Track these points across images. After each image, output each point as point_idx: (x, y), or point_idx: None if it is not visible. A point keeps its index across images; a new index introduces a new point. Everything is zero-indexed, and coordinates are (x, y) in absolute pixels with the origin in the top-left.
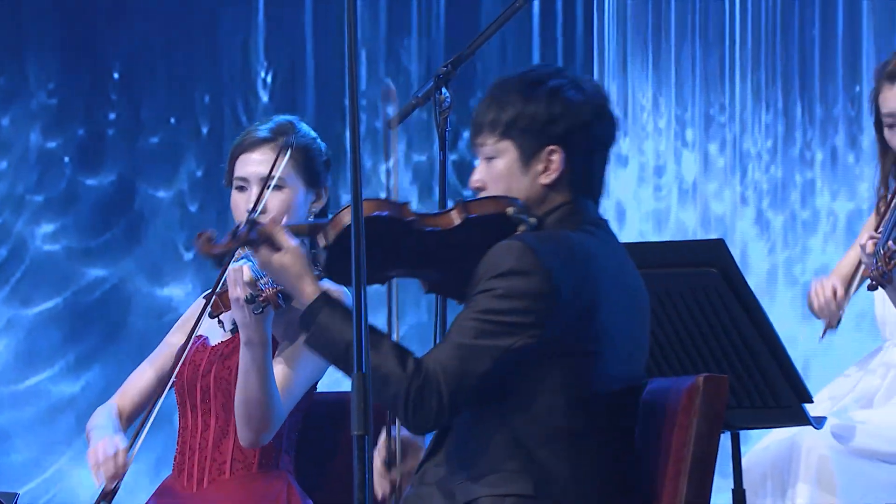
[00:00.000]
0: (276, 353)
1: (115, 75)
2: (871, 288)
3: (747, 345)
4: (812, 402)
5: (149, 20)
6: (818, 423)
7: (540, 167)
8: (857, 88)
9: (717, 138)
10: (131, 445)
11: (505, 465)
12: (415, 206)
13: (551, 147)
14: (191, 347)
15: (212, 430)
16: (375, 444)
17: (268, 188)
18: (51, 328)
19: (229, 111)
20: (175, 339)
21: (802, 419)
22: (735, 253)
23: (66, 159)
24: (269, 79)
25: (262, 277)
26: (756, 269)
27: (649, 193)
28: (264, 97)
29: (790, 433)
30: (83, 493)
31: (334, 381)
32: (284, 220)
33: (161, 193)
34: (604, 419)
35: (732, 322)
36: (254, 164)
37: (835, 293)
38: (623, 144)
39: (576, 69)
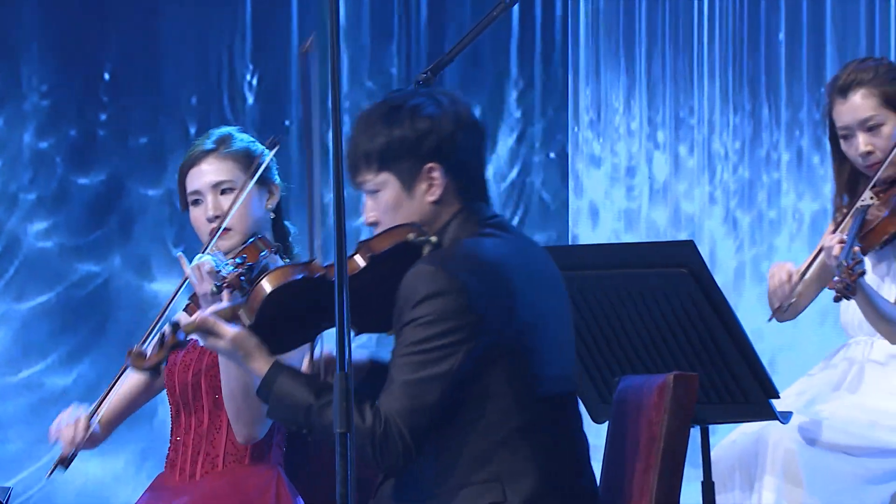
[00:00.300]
0: None
1: (106, 77)
2: (837, 300)
3: (716, 342)
4: (779, 397)
5: (137, 24)
6: (784, 418)
7: (424, 186)
8: (822, 92)
9: (687, 140)
10: (93, 414)
11: (472, 477)
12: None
13: (429, 165)
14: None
15: (204, 426)
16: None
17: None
18: (43, 322)
19: (216, 112)
20: None
21: (769, 414)
22: (704, 251)
23: (58, 159)
24: (254, 81)
25: (224, 266)
26: (724, 266)
27: (622, 193)
28: (250, 98)
29: (757, 427)
30: (75, 482)
31: None
32: (244, 223)
33: (150, 192)
34: (551, 410)
35: (702, 321)
36: (203, 174)
37: (790, 277)
38: (596, 146)
39: (553, 73)
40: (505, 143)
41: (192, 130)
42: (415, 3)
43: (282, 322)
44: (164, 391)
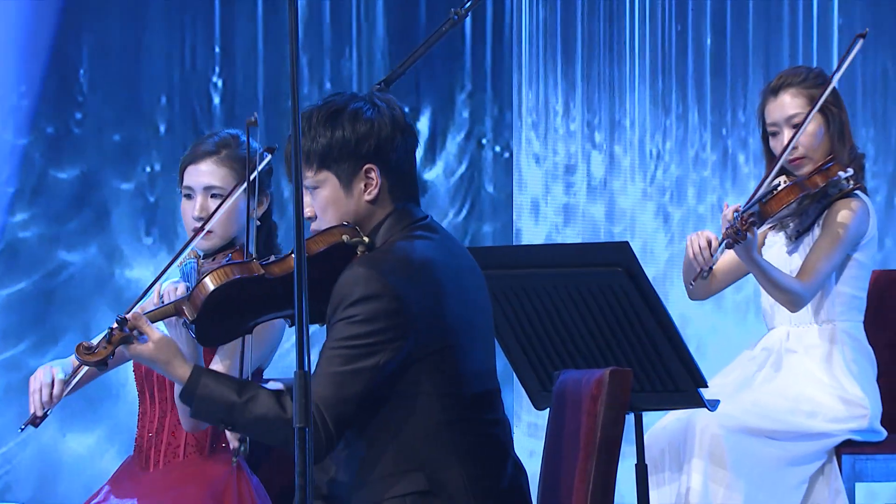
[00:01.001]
0: (216, 354)
1: (81, 79)
2: (729, 246)
3: (649, 336)
4: (706, 386)
5: (109, 30)
6: (712, 405)
7: (361, 186)
8: (746, 97)
9: (622, 141)
10: (69, 380)
11: (397, 467)
12: None
13: (367, 165)
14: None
15: (168, 417)
16: None
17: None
18: (24, 306)
19: (185, 112)
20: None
21: (698, 402)
22: (638, 244)
23: (37, 155)
24: (220, 83)
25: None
26: (657, 258)
27: (561, 189)
28: (216, 99)
29: (686, 414)
30: (52, 455)
31: (284, 368)
32: (226, 228)
33: (124, 185)
34: (474, 405)
35: (636, 316)
36: (199, 174)
37: (709, 243)
38: (538, 145)
39: (499, 78)
40: (454, 140)
41: (162, 129)
42: (373, 6)
43: (222, 317)
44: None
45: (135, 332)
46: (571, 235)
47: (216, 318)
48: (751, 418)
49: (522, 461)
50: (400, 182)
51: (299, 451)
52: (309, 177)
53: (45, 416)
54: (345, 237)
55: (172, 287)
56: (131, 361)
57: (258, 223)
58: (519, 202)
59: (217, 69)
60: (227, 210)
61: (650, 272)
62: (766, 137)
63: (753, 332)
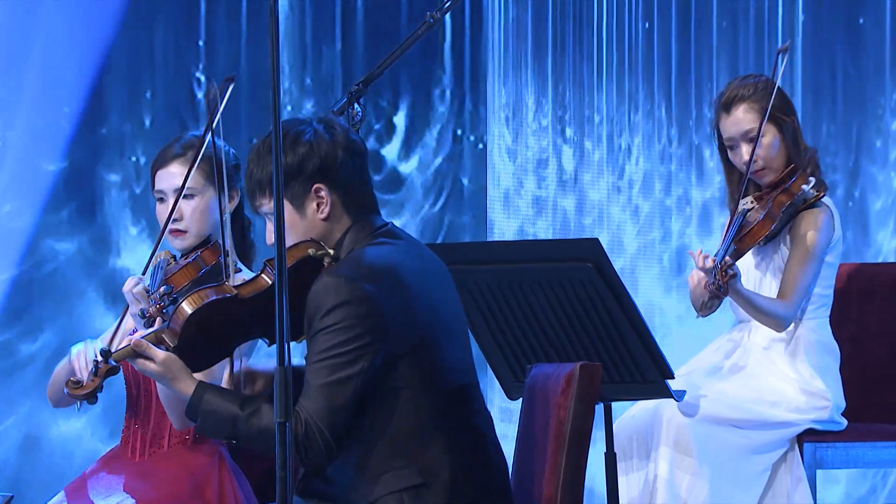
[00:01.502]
0: None
1: (69, 75)
2: (710, 299)
3: (618, 329)
4: (673, 377)
5: (100, 27)
6: (678, 396)
7: (314, 206)
8: (711, 93)
9: (593, 136)
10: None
11: (391, 464)
12: None
13: (316, 185)
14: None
15: (153, 409)
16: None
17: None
18: (15, 293)
19: (169, 106)
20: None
21: (665, 393)
22: (608, 235)
23: (27, 148)
24: (202, 78)
25: (152, 293)
26: (627, 248)
27: (533, 183)
28: (199, 94)
29: (654, 404)
30: (40, 439)
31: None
32: (199, 226)
33: (111, 177)
34: (454, 398)
35: (606, 310)
36: (168, 177)
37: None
38: (511, 140)
39: (475, 75)
40: (432, 134)
41: (147, 122)
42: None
43: (202, 341)
44: None
45: (139, 356)
46: (543, 227)
47: (197, 343)
48: (716, 408)
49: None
50: (351, 197)
51: (279, 446)
52: (265, 204)
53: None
54: (311, 251)
55: (131, 285)
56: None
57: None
58: (492, 195)
59: (200, 65)
60: (199, 208)
61: (620, 263)
62: (723, 149)
63: (721, 322)
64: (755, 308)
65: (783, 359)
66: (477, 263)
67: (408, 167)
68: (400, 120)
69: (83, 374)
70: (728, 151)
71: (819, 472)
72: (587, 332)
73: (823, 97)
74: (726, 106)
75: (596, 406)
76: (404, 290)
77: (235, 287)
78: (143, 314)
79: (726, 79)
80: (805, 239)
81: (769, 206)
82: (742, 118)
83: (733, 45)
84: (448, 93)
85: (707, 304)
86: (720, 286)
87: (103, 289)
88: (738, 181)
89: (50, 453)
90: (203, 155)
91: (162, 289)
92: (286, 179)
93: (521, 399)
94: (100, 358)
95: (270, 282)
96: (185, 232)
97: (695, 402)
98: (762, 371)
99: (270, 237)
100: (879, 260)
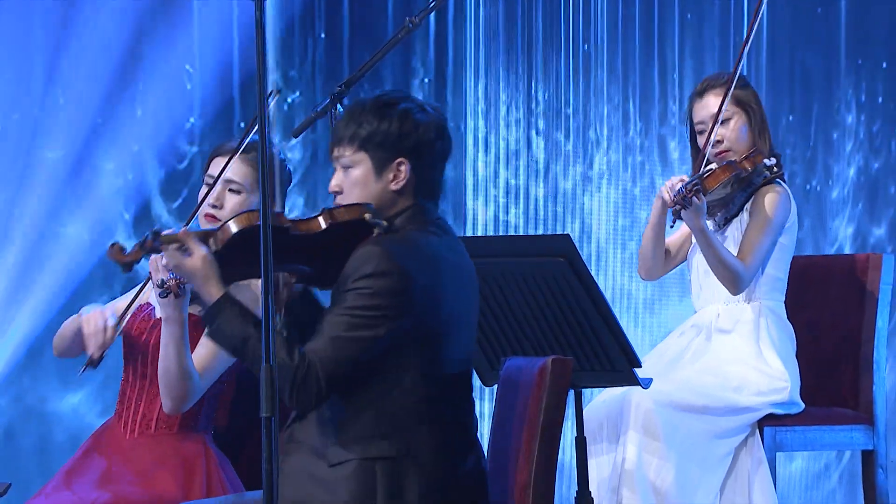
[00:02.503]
0: (203, 335)
1: (66, 67)
2: (676, 214)
3: (589, 321)
4: (640, 366)
5: (93, 26)
6: (646, 383)
7: (390, 176)
8: (677, 88)
9: (564, 128)
10: (119, 322)
11: (372, 431)
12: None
13: (400, 159)
14: (139, 314)
15: (146, 390)
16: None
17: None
18: (19, 273)
19: (160, 97)
20: (121, 302)
21: (633, 380)
22: (579, 223)
23: (26, 136)
24: (191, 69)
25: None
26: (596, 235)
27: (508, 172)
28: (188, 85)
29: (623, 390)
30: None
31: None
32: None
33: (106, 164)
34: (451, 390)
35: (577, 302)
36: (223, 167)
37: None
38: (486, 131)
39: (452, 69)
40: None
41: (139, 113)
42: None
43: (241, 258)
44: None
45: (181, 247)
46: (516, 214)
47: (236, 258)
48: (681, 394)
49: None
50: (426, 181)
51: (266, 439)
52: (347, 155)
53: (101, 357)
54: (367, 216)
55: (156, 256)
56: (121, 337)
57: None
58: (469, 184)
59: (190, 56)
60: (241, 205)
61: (590, 248)
62: (693, 137)
63: (688, 305)
64: (716, 252)
65: (746, 340)
66: None
67: None
68: None
69: (89, 341)
70: (697, 136)
71: (778, 452)
72: (559, 322)
73: (782, 90)
74: (700, 93)
75: (568, 392)
76: (437, 282)
77: (291, 220)
78: (162, 284)
79: (691, 74)
80: (764, 210)
81: (732, 161)
82: (712, 102)
83: (700, 39)
84: (428, 85)
85: (653, 252)
86: (685, 196)
87: (100, 268)
88: (701, 161)
89: (53, 424)
90: (253, 154)
91: None
92: (379, 142)
93: (495, 385)
94: (149, 235)
95: (324, 226)
96: (219, 221)
97: (661, 389)
98: (725, 357)
99: (335, 184)
100: (835, 246)
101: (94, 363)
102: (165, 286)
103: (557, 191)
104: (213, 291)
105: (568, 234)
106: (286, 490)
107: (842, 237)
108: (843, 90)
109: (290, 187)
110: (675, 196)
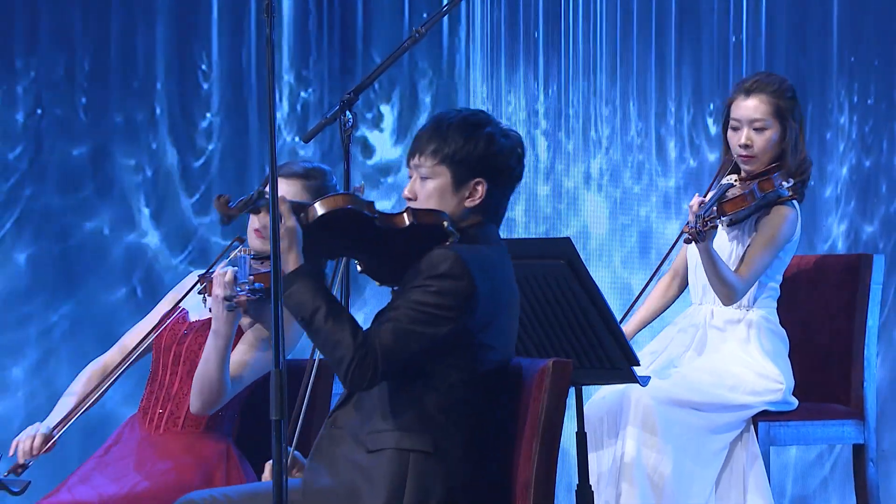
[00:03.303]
0: (240, 342)
1: (86, 68)
2: (687, 241)
3: (589, 321)
4: (639, 364)
5: (109, 24)
6: (644, 381)
7: (466, 193)
8: (675, 90)
9: (566, 128)
10: (53, 432)
11: (411, 425)
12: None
13: (479, 179)
14: (174, 317)
15: (175, 389)
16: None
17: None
18: (39, 267)
19: (176, 96)
20: (164, 305)
21: (631, 378)
22: (581, 221)
23: (48, 133)
24: (207, 69)
25: (242, 283)
26: (597, 233)
27: None
28: (205, 85)
29: (622, 387)
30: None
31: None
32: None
33: (128, 161)
34: (490, 394)
35: (577, 303)
36: (279, 188)
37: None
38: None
39: (459, 72)
40: (419, 125)
41: (158, 111)
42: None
43: (324, 234)
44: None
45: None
46: (520, 211)
47: (322, 235)
48: (679, 391)
49: None
50: (495, 204)
51: (276, 442)
52: (427, 166)
53: (27, 466)
54: (445, 223)
55: (222, 272)
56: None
57: None
58: None
59: (205, 56)
60: None
61: (592, 245)
62: (726, 127)
63: (684, 300)
64: (717, 271)
65: (738, 345)
66: None
67: (397, 153)
68: (388, 111)
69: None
70: (730, 131)
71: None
72: (560, 322)
73: None
74: (747, 91)
75: (568, 394)
76: (497, 293)
77: (379, 212)
78: (230, 298)
79: (690, 76)
80: (772, 228)
81: (752, 187)
82: (755, 106)
83: (698, 42)
84: (434, 85)
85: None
86: (699, 231)
87: (120, 260)
88: (727, 167)
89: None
90: (315, 186)
91: (255, 285)
92: (462, 159)
93: None
94: (254, 194)
95: (407, 223)
96: (267, 238)
97: (659, 386)
98: (721, 357)
99: (409, 191)
100: (829, 242)
101: (16, 470)
102: (235, 300)
103: (561, 189)
104: (290, 261)
105: (569, 238)
106: (331, 474)
107: (835, 234)
108: (835, 91)
109: None
110: (690, 226)
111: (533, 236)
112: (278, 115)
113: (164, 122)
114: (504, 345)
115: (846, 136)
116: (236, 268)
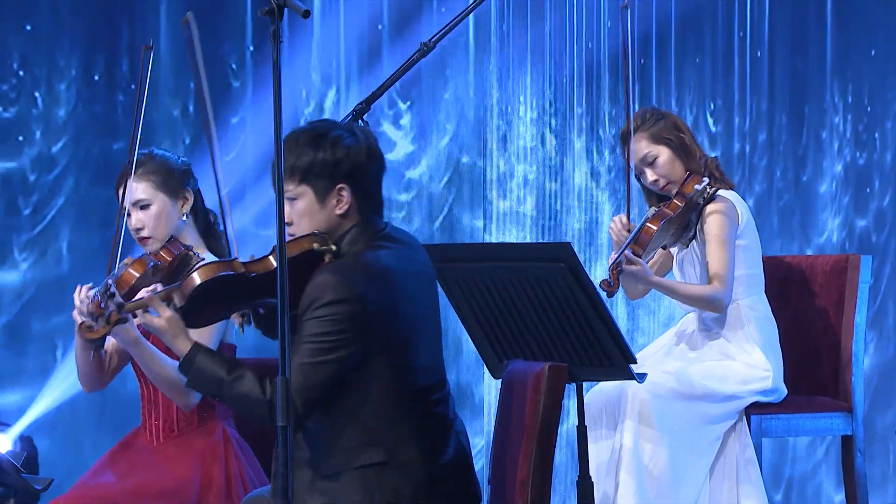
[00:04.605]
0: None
1: (124, 69)
2: (609, 296)
3: (588, 322)
4: (636, 362)
5: (144, 24)
6: (641, 378)
7: (333, 202)
8: (680, 89)
9: (576, 127)
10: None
11: (358, 442)
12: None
13: (340, 185)
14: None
15: (160, 397)
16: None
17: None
18: (83, 254)
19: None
20: None
21: (629, 375)
22: (588, 215)
23: (89, 128)
24: (234, 66)
25: (98, 291)
26: (604, 227)
27: (524, 167)
28: (235, 83)
29: (620, 383)
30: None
31: (252, 347)
32: (158, 231)
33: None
34: (422, 390)
35: (577, 305)
36: (127, 193)
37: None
38: (505, 129)
39: (480, 76)
40: (438, 121)
41: (175, 113)
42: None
43: (205, 306)
44: None
45: (148, 310)
46: (531, 206)
47: (200, 307)
48: (673, 384)
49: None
50: (367, 200)
51: (282, 447)
52: (290, 189)
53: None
54: (315, 245)
55: (78, 298)
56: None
57: (184, 218)
58: (489, 177)
59: (234, 55)
60: (155, 215)
61: (600, 238)
62: (637, 178)
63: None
64: (681, 294)
65: (727, 337)
66: (466, 262)
67: (417, 150)
68: (407, 110)
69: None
70: (639, 180)
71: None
72: (560, 323)
73: (778, 93)
74: (624, 139)
75: (565, 391)
76: (392, 294)
77: (244, 265)
78: (91, 329)
79: (692, 78)
80: (711, 227)
81: (660, 208)
82: (636, 148)
83: (701, 46)
84: (452, 89)
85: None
86: (610, 283)
87: None
88: (653, 199)
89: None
90: (150, 168)
91: (110, 290)
92: (318, 172)
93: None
94: (113, 308)
95: (275, 265)
96: (150, 238)
97: (655, 380)
98: (711, 351)
99: (288, 216)
100: (824, 236)
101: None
102: (92, 335)
103: (570, 185)
104: (182, 346)
105: (568, 243)
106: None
107: (830, 227)
108: (830, 92)
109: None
110: (601, 283)
111: (544, 229)
112: (305, 111)
113: (188, 122)
114: (421, 333)
115: (841, 135)
116: (94, 289)
